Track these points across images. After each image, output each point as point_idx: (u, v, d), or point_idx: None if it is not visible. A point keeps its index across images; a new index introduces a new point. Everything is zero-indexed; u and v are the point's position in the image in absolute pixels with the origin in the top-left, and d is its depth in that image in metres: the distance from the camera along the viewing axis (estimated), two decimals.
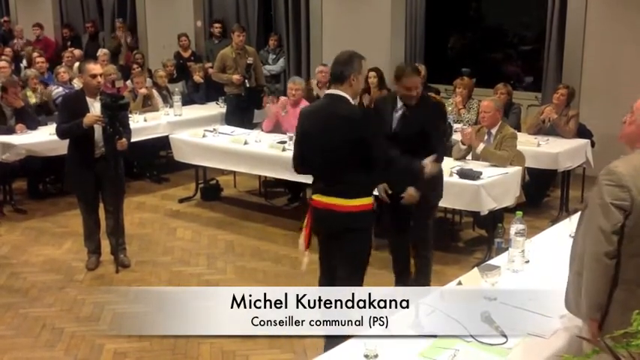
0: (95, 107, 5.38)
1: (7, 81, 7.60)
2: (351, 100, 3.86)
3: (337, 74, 3.84)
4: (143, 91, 8.40)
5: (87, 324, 4.77)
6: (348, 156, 3.79)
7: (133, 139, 7.51)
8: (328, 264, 4.08)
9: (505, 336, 2.73)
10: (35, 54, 9.92)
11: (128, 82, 9.00)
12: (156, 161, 8.61)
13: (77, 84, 8.39)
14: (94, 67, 5.45)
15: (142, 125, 7.81)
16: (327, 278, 4.09)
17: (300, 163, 4.11)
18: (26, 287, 5.38)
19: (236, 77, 8.25)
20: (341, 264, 3.97)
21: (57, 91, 8.17)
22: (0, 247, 6.22)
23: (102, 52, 10.22)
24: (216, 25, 10.37)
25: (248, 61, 8.38)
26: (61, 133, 5.54)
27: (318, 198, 3.95)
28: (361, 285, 3.83)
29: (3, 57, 9.70)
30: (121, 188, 5.67)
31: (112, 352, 4.36)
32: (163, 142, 7.77)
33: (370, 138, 3.79)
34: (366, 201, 3.88)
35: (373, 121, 4.13)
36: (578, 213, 2.96)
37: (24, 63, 10.84)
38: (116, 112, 5.29)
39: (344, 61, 3.84)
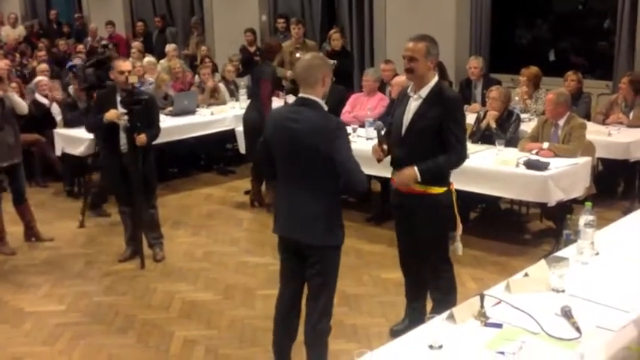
0: None
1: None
2: None
3: None
4: (210, 84, 8.57)
5: (158, 312, 4.90)
6: None
7: (200, 132, 7.81)
8: None
9: (579, 331, 2.68)
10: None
11: (197, 77, 9.21)
12: (222, 154, 8.76)
13: (150, 78, 8.62)
14: (123, 64, 5.52)
15: (209, 119, 7.97)
16: None
17: None
18: (100, 276, 5.57)
19: (289, 73, 8.17)
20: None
21: None
22: (76, 237, 6.47)
23: (170, 47, 10.44)
24: (280, 19, 10.45)
25: (297, 55, 8.41)
26: (86, 126, 5.92)
27: None
28: None
29: (78, 54, 10.06)
30: (150, 183, 5.70)
31: (182, 340, 4.46)
32: (230, 135, 7.89)
33: None
34: None
35: None
36: None
37: None
38: (131, 107, 5.36)
39: None
